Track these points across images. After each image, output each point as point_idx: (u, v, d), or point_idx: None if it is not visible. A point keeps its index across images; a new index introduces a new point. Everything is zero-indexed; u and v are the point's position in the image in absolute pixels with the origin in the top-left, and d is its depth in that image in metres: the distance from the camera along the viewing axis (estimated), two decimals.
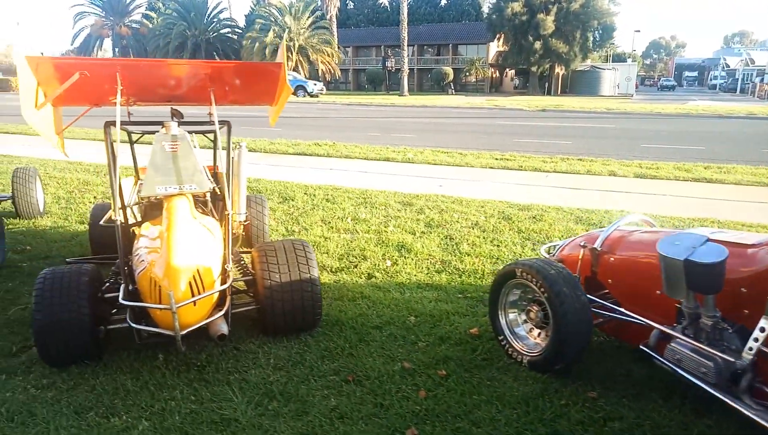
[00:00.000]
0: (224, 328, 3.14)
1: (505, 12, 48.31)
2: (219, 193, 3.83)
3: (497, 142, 14.65)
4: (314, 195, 7.69)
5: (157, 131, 3.70)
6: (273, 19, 47.65)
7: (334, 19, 52.64)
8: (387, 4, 71.13)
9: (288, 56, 45.30)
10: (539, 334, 3.27)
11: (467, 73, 56.10)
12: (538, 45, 47.61)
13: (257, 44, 44.82)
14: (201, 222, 3.56)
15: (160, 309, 2.90)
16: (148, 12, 55.60)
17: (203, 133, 4.21)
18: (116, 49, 55.37)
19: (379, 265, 4.95)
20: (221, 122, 3.81)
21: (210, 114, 3.83)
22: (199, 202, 4.01)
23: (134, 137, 4.43)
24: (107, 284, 3.55)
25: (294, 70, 45.29)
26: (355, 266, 4.92)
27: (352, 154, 11.82)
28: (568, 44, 48.11)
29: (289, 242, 3.66)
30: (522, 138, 15.59)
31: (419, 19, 62.51)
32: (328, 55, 46.89)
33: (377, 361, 3.28)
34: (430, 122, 21.35)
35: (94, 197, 7.47)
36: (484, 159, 11.08)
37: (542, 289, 3.03)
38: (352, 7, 71.67)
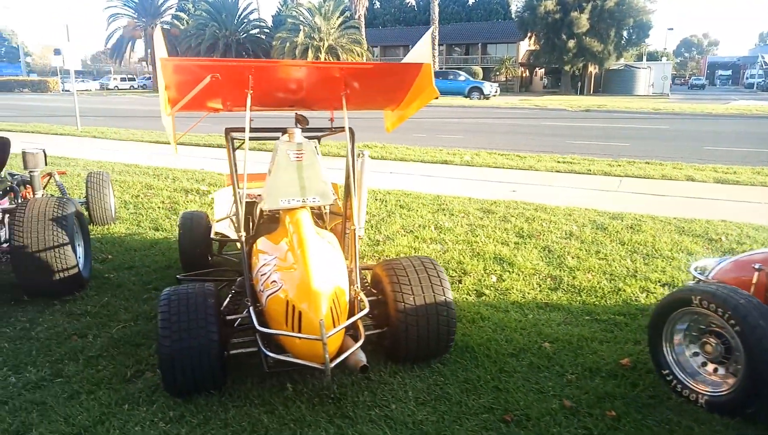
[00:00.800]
0: (364, 358, 2.83)
1: (538, 10, 47.42)
2: (339, 205, 3.53)
3: (550, 143, 14.17)
4: (385, 200, 7.38)
5: (277, 138, 3.43)
6: (303, 19, 47.63)
7: (363, 19, 52.38)
8: (414, 3, 70.67)
9: (317, 56, 45.19)
10: (715, 369, 2.89)
11: (497, 73, 55.36)
12: (571, 44, 46.64)
13: (288, 44, 44.82)
14: (324, 238, 3.28)
15: (308, 339, 2.61)
16: (178, 13, 56.09)
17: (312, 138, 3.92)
18: (149, 51, 55.97)
19: (483, 280, 4.61)
20: (342, 128, 3.51)
21: (332, 119, 3.54)
22: (314, 214, 3.72)
23: (236, 143, 4.16)
24: (224, 305, 3.29)
25: None
26: (459, 281, 4.59)
27: (407, 156, 11.50)
28: (603, 42, 47.04)
29: (416, 259, 3.34)
30: (574, 139, 15.08)
31: (447, 18, 61.85)
32: (358, 55, 46.67)
33: (530, 397, 2.93)
34: (473, 122, 20.90)
35: (162, 202, 7.28)
36: (546, 162, 10.66)
37: (731, 322, 2.65)
38: (378, 6, 71.37)
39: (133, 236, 5.89)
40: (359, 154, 3.51)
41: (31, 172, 5.32)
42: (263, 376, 3.11)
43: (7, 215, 4.88)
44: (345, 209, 3.60)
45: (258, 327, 2.77)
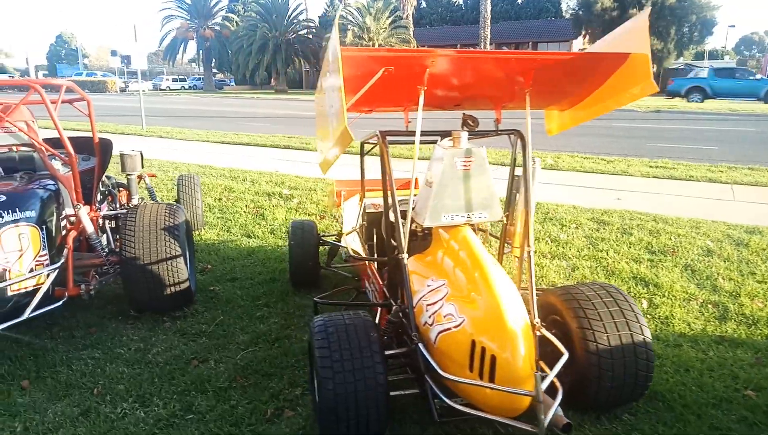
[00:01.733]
0: (561, 413, 2.33)
1: (594, 7, 45.92)
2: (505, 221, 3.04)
3: (630, 146, 13.30)
4: None
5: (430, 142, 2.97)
6: (352, 19, 47.48)
7: (411, 18, 51.88)
8: (461, 2, 69.71)
9: None
10: None
11: None
12: None
13: None
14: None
15: (514, 393, 2.13)
16: (228, 14, 56.92)
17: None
18: (201, 51, 57.04)
19: None
20: (510, 131, 3.03)
21: (497, 120, 3.05)
22: None
23: (366, 148, 3.74)
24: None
25: None
26: None
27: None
28: (663, 40, 45.13)
29: (599, 287, 2.82)
30: (654, 142, 14.13)
31: (495, 16, 60.47)
32: None
33: None
34: (538, 123, 20.04)
35: (246, 206, 6.97)
36: (638, 166, 9.88)
37: None
38: (425, 6, 70.71)
39: (227, 244, 5.57)
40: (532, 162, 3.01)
41: (128, 175, 5.05)
42: (424, 423, 2.66)
43: (107, 221, 4.62)
44: (505, 226, 3.11)
45: (444, 374, 2.31)
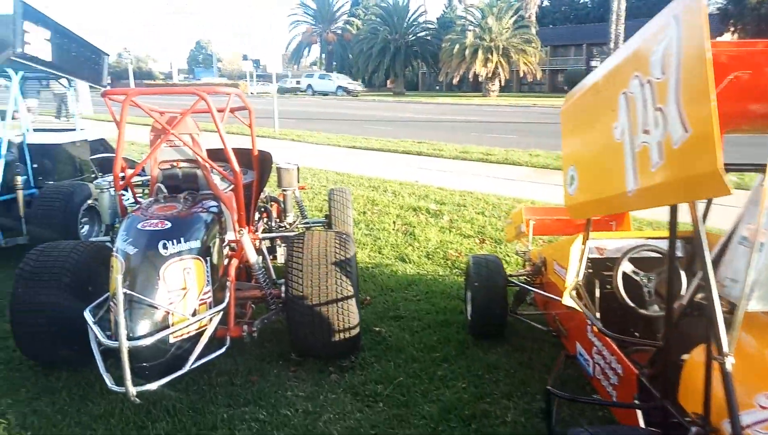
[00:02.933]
0: None
1: (746, 0, 40.89)
2: None
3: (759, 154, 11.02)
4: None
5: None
6: (473, 19, 46.38)
7: (534, 18, 49.60)
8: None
9: (488, 57, 43.46)
10: None
11: None
12: None
13: (457, 46, 43.78)
14: None
15: None
16: (350, 19, 58.18)
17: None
18: (323, 54, 58.90)
19: None
20: None
21: None
22: None
23: None
24: None
25: (493, 72, 43.26)
26: None
27: None
28: None
29: None
30: None
31: (627, 14, 56.23)
32: (532, 56, 44.05)
33: None
34: None
35: (393, 223, 6.35)
36: None
37: None
38: (548, 4, 67.52)
39: (381, 269, 4.95)
40: None
41: (284, 190, 4.60)
42: None
43: (264, 242, 4.17)
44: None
45: None
